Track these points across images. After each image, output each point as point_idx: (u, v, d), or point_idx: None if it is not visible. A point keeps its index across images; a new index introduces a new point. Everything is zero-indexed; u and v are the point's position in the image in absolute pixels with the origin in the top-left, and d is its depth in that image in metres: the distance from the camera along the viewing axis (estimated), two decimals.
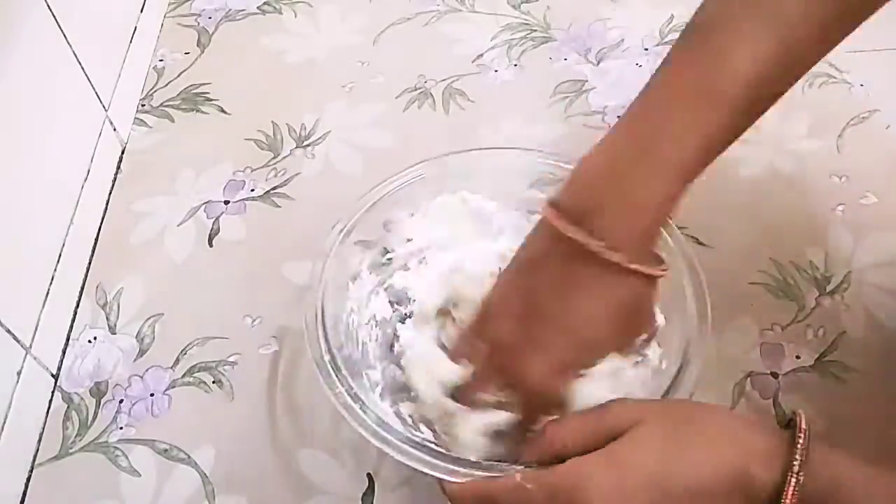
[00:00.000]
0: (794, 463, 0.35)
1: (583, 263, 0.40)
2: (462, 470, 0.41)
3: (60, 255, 0.59)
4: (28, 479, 0.52)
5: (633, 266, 0.40)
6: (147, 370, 0.56)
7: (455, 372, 0.45)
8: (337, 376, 0.44)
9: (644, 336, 0.45)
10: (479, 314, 0.46)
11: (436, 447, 0.43)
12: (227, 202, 0.66)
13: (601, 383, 0.44)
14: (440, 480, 0.40)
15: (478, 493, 0.39)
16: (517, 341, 0.43)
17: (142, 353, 0.57)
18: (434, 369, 0.46)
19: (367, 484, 0.51)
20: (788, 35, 0.38)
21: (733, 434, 0.37)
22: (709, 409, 0.41)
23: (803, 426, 0.37)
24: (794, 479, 0.35)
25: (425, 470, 0.41)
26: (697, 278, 0.48)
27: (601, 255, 0.40)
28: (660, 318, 0.47)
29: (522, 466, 0.40)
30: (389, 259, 0.55)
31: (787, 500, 0.34)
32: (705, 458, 0.36)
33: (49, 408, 0.55)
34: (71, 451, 0.53)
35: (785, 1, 0.38)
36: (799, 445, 0.36)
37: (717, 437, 0.37)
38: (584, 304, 0.41)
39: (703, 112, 0.39)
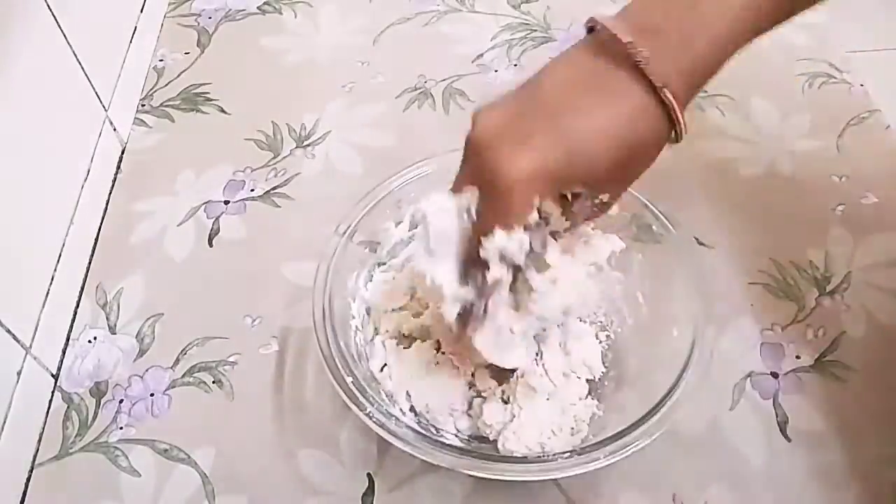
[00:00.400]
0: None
1: (614, 65, 0.37)
2: (467, 461, 0.42)
3: (60, 255, 0.59)
4: (28, 479, 0.52)
5: (664, 90, 0.37)
6: (147, 370, 0.56)
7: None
8: (344, 369, 0.45)
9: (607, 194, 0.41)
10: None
11: (441, 439, 0.43)
12: (227, 202, 0.66)
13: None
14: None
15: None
16: (504, 132, 0.38)
17: (142, 353, 0.57)
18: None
19: (367, 484, 0.51)
20: None
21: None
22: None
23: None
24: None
25: (430, 461, 0.42)
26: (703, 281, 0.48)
27: (639, 64, 0.36)
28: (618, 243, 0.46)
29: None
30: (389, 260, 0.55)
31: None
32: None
33: (49, 408, 0.55)
34: (71, 451, 0.53)
35: None
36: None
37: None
38: (597, 108, 0.37)
39: None
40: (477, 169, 0.39)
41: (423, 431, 0.46)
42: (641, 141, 0.38)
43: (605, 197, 0.41)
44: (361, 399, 0.44)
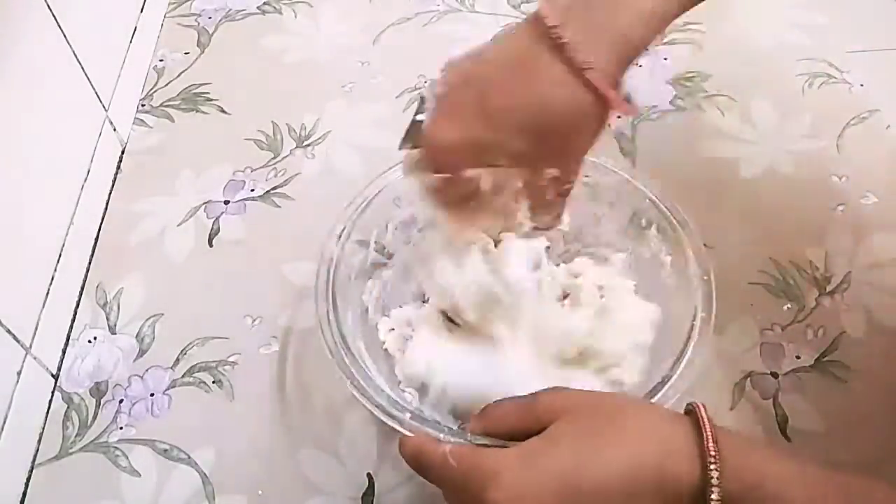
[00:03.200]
0: (710, 458, 0.35)
1: (541, 46, 0.40)
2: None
3: (60, 255, 0.59)
4: (28, 479, 0.52)
5: (586, 71, 0.39)
6: (147, 370, 0.56)
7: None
8: (350, 360, 0.45)
9: (558, 171, 0.44)
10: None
11: (446, 425, 0.43)
12: (227, 202, 0.66)
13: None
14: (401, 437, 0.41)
15: (414, 449, 0.40)
16: (442, 102, 0.43)
17: (142, 353, 0.57)
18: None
19: (367, 484, 0.51)
20: None
21: (652, 431, 0.37)
22: (635, 405, 0.40)
23: (704, 417, 0.37)
24: (713, 474, 0.34)
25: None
26: (708, 278, 0.49)
27: (561, 47, 0.39)
28: (565, 219, 0.49)
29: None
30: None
31: (712, 496, 0.34)
32: (619, 457, 0.36)
33: (49, 408, 0.55)
34: (71, 451, 0.53)
35: None
36: (706, 436, 0.35)
37: (635, 434, 0.37)
38: (517, 87, 0.40)
39: None
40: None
41: (429, 418, 0.45)
42: (561, 114, 0.40)
43: (554, 171, 0.44)
44: (371, 392, 0.44)
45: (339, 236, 0.51)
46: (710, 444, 0.35)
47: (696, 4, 0.42)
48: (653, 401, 0.44)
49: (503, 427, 0.40)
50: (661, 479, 0.35)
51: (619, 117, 0.43)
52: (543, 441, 0.37)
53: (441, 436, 0.41)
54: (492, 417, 0.41)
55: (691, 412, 0.37)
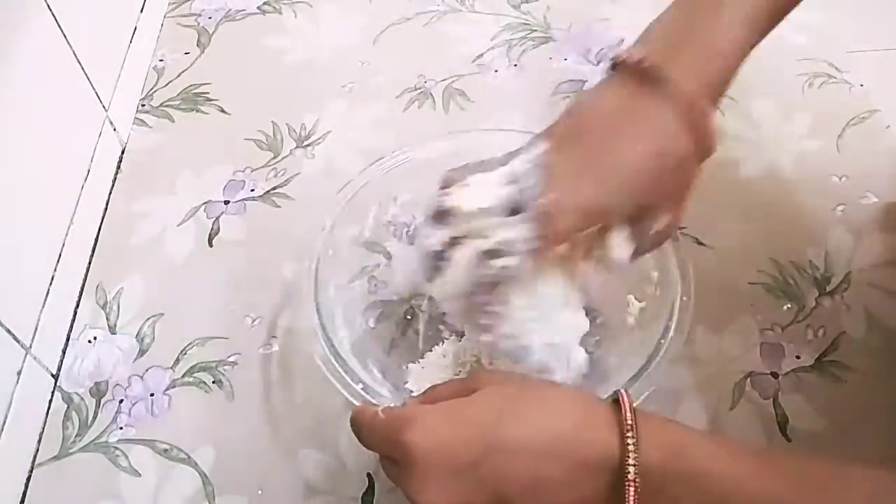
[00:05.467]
0: (626, 426, 0.35)
1: (643, 90, 0.40)
2: None
3: (60, 255, 0.59)
4: (28, 479, 0.52)
5: (696, 99, 0.39)
6: (147, 370, 0.56)
7: None
8: (344, 369, 0.45)
9: (669, 214, 0.43)
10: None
11: None
12: (227, 202, 0.66)
13: None
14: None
15: (353, 415, 0.40)
16: (558, 177, 0.41)
17: (142, 353, 0.57)
18: None
19: (367, 484, 0.51)
20: None
21: (573, 402, 0.38)
22: (560, 387, 0.42)
23: (624, 395, 0.37)
24: (629, 441, 0.35)
25: None
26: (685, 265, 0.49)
27: (665, 85, 0.39)
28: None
29: None
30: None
31: (629, 461, 0.35)
32: (538, 420, 0.37)
33: (49, 408, 0.55)
34: (71, 451, 0.53)
35: None
36: (624, 409, 0.36)
37: (556, 403, 0.38)
38: (631, 139, 0.40)
39: None
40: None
41: None
42: (674, 158, 0.41)
43: (665, 220, 0.43)
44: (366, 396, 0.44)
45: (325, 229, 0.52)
46: (628, 414, 0.36)
47: (773, 28, 0.43)
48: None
49: (440, 397, 0.40)
50: (579, 447, 0.36)
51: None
52: (469, 398, 0.38)
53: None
54: (430, 393, 0.41)
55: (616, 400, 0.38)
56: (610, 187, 0.41)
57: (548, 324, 0.45)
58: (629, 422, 0.36)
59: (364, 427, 0.39)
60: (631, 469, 0.35)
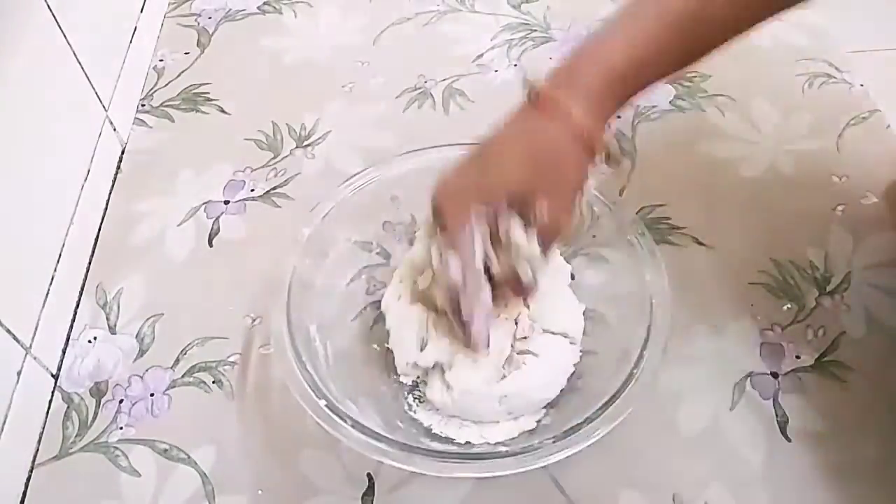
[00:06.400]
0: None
1: (535, 111, 0.47)
2: (454, 464, 0.43)
3: (60, 255, 0.59)
4: (28, 479, 0.52)
5: (571, 109, 0.46)
6: (147, 370, 0.56)
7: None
8: (315, 392, 0.46)
9: (546, 201, 0.47)
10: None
11: (427, 451, 0.44)
12: (227, 202, 0.66)
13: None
14: None
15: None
16: (456, 178, 0.49)
17: (142, 353, 0.57)
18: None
19: (367, 484, 0.51)
20: None
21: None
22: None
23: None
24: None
25: (420, 471, 0.43)
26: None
27: (548, 97, 0.46)
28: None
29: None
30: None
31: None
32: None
33: (49, 408, 0.55)
34: (71, 451, 0.53)
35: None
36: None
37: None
38: (510, 139, 0.48)
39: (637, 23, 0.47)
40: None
41: (403, 441, 0.46)
42: (550, 148, 0.47)
43: (543, 207, 0.46)
44: (336, 419, 0.45)
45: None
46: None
47: (684, 68, 0.49)
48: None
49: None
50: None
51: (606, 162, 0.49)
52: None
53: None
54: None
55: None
56: (488, 170, 0.48)
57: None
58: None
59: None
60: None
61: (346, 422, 0.45)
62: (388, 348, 0.53)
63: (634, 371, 0.46)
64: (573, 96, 0.46)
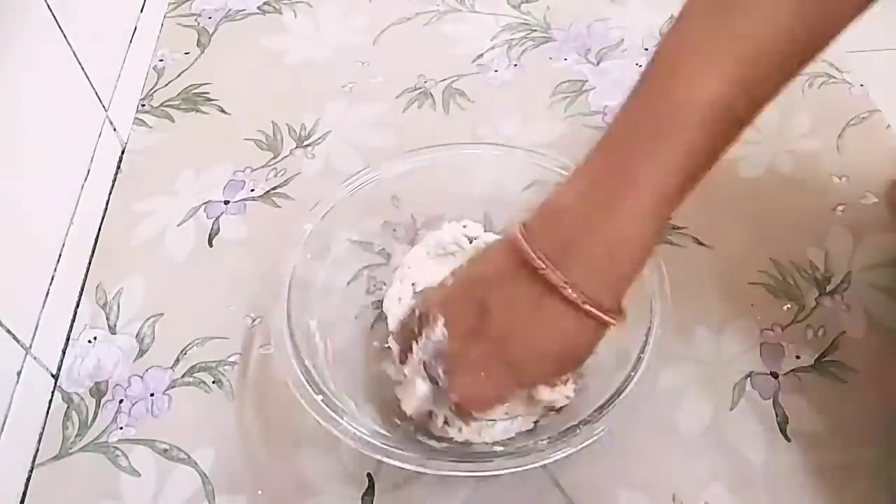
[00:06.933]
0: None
1: (546, 294, 0.41)
2: (453, 462, 0.43)
3: (60, 255, 0.59)
4: (28, 479, 0.52)
5: (590, 309, 0.41)
6: (147, 370, 0.56)
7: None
8: (313, 387, 0.46)
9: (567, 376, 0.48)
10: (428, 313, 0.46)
11: (426, 449, 0.44)
12: (227, 202, 0.66)
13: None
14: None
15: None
16: (463, 357, 0.45)
17: (142, 353, 0.57)
18: None
19: (367, 484, 0.51)
20: (751, 57, 0.38)
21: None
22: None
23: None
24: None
25: (418, 469, 0.43)
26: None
27: (563, 292, 0.40)
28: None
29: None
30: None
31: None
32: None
33: (49, 408, 0.55)
34: (71, 451, 0.53)
35: (745, 22, 0.38)
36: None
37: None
38: (533, 335, 0.43)
39: (673, 137, 0.39)
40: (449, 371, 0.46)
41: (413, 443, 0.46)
42: (573, 356, 0.44)
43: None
44: (334, 416, 0.45)
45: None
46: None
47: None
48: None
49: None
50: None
51: None
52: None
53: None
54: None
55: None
56: (516, 381, 0.45)
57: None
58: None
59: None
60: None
61: (343, 419, 0.45)
62: (388, 347, 0.53)
63: (633, 372, 0.46)
64: (589, 276, 0.41)
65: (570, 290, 0.40)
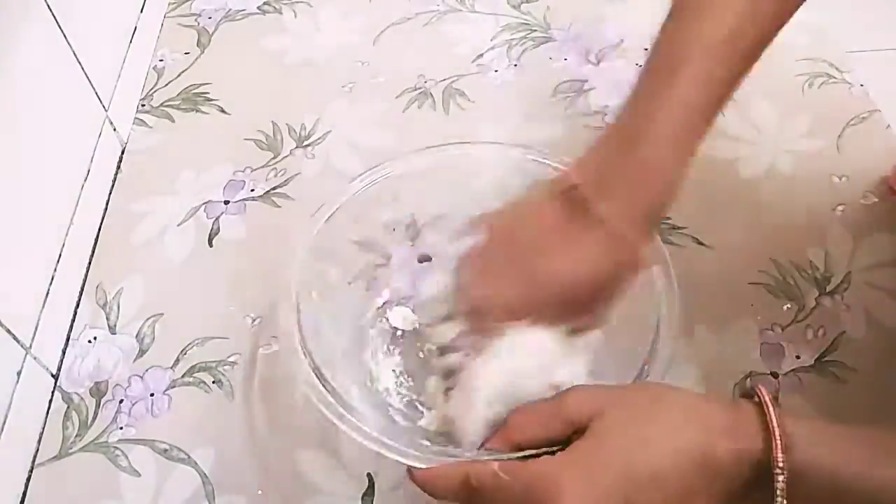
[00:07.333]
0: (774, 434, 0.35)
1: (577, 214, 0.43)
2: (453, 460, 0.42)
3: (60, 255, 0.59)
4: (28, 479, 0.52)
5: (616, 227, 0.42)
6: (147, 370, 0.56)
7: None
8: (325, 386, 0.45)
9: (588, 317, 0.46)
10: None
11: (436, 449, 0.43)
12: (227, 202, 0.66)
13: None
14: (409, 468, 0.40)
15: (451, 476, 0.38)
16: (489, 261, 0.46)
17: (142, 353, 0.57)
18: None
19: (367, 484, 0.51)
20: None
21: (693, 413, 0.37)
22: (666, 391, 0.40)
23: (766, 399, 0.36)
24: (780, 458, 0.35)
25: (419, 465, 0.42)
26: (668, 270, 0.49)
27: (594, 208, 0.43)
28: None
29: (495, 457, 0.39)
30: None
31: (778, 473, 0.34)
32: (668, 443, 0.36)
33: (49, 408, 0.55)
34: (71, 451, 0.53)
35: None
36: (772, 423, 0.35)
37: (678, 419, 0.37)
38: (559, 254, 0.44)
39: (688, 70, 0.43)
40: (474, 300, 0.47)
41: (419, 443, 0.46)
42: (598, 281, 0.44)
43: (585, 321, 0.46)
44: (344, 412, 0.45)
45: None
46: (774, 420, 0.35)
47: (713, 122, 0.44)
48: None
49: (529, 436, 0.39)
50: (711, 458, 0.35)
51: None
52: (590, 441, 0.36)
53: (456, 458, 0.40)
54: (517, 428, 0.40)
55: (751, 391, 0.38)
56: (538, 296, 0.44)
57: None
58: (776, 425, 0.35)
59: (484, 490, 0.37)
60: (780, 478, 0.34)
61: (349, 413, 0.44)
62: (388, 346, 0.53)
63: (639, 376, 0.45)
64: (620, 206, 0.43)
65: (601, 206, 0.42)
